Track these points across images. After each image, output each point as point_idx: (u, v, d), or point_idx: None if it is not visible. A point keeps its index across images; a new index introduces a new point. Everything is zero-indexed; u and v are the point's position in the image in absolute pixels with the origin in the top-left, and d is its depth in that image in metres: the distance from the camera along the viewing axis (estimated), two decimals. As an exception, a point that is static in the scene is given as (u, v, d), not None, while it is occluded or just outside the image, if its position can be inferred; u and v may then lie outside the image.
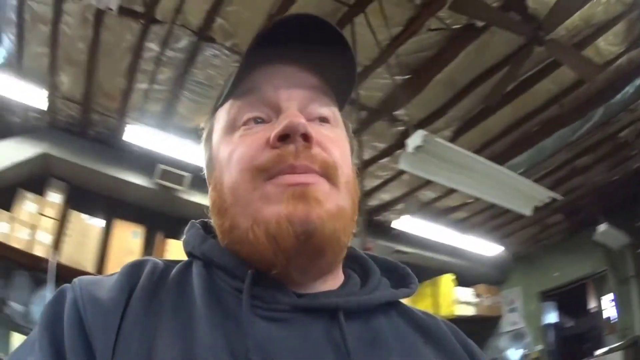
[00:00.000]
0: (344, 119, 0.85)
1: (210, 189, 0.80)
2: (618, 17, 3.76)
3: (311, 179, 0.69)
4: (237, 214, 0.71)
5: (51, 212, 5.04)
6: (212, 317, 0.65)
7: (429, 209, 6.35)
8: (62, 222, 5.10)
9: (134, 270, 0.73)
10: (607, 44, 4.06)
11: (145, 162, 5.08)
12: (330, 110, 0.79)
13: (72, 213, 5.09)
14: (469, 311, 7.16)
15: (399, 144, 4.80)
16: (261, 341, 0.63)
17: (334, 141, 0.76)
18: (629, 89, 4.37)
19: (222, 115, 0.80)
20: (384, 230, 6.48)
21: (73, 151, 5.23)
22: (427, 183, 5.60)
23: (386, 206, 6.35)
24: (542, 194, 4.52)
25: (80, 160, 5.17)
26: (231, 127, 0.77)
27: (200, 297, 0.68)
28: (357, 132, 4.51)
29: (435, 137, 3.62)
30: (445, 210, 6.49)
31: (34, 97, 4.57)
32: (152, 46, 4.00)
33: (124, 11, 3.67)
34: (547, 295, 7.42)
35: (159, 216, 5.38)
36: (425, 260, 6.89)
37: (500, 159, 5.16)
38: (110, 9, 3.50)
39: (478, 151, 5.08)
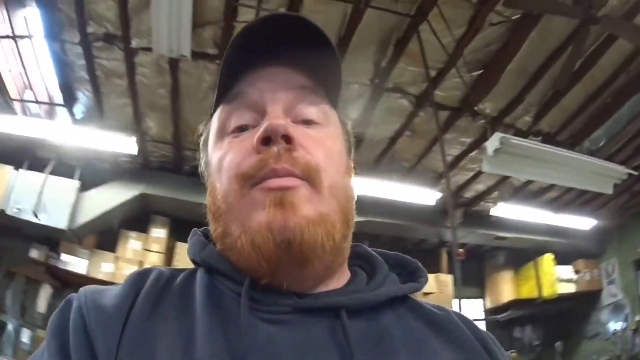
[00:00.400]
0: (340, 117, 0.85)
1: (207, 193, 0.80)
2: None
3: (291, 182, 0.69)
4: (229, 221, 0.72)
5: (156, 246, 5.44)
6: (212, 321, 0.66)
7: (522, 193, 6.49)
8: (169, 255, 5.49)
9: (138, 278, 0.75)
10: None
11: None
12: (319, 110, 0.79)
13: (178, 244, 5.47)
14: (570, 288, 7.19)
15: (484, 137, 4.92)
16: (262, 343, 0.63)
17: (320, 142, 0.75)
18: None
19: (214, 122, 0.81)
20: (482, 219, 6.71)
21: (170, 187, 5.62)
22: None
23: (482, 196, 6.57)
24: (619, 172, 4.59)
25: (179, 195, 5.53)
26: (221, 134, 0.78)
27: (201, 302, 0.69)
28: (443, 131, 4.74)
29: (511, 138, 3.77)
30: (537, 192, 6.57)
31: (123, 143, 5.00)
32: None
33: (197, 55, 3.96)
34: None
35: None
36: (524, 243, 7.02)
37: (582, 134, 5.24)
38: (184, 56, 3.79)
39: (558, 131, 5.18)
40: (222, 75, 0.76)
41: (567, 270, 7.27)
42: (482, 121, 5.02)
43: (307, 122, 0.76)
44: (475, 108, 4.84)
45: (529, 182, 6.26)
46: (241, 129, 0.76)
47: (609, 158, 5.57)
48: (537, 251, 7.11)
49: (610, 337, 7.28)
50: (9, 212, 5.28)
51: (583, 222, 7.05)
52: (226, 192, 0.72)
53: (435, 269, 6.72)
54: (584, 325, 7.77)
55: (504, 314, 7.29)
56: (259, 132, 0.70)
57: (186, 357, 0.62)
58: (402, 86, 4.50)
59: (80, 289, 0.74)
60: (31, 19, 4.16)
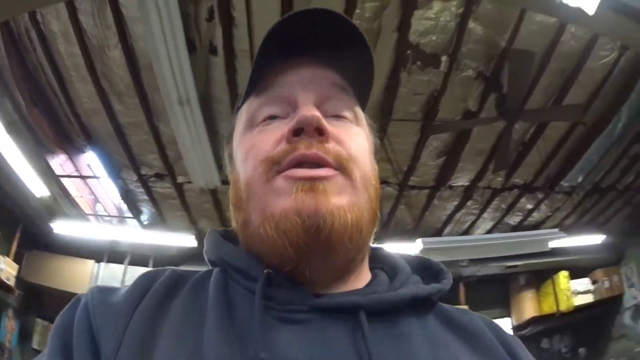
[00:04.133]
0: (367, 120, 0.87)
1: (230, 187, 0.84)
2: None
3: (323, 172, 0.70)
4: (251, 209, 0.74)
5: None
6: (222, 319, 0.67)
7: (520, 229, 7.87)
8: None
9: (149, 277, 0.77)
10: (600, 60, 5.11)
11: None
12: (349, 108, 0.82)
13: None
14: (588, 299, 8.37)
15: (470, 192, 6.57)
16: (274, 343, 0.64)
17: (351, 137, 0.78)
18: None
19: (242, 114, 0.84)
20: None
21: None
22: (510, 208, 7.28)
23: None
24: (551, 233, 6.56)
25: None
26: (250, 125, 0.81)
27: (212, 300, 0.70)
28: (427, 206, 6.32)
29: (429, 239, 5.31)
30: (538, 224, 7.94)
31: (185, 239, 6.77)
32: None
33: (227, 182, 5.63)
34: None
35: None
36: (539, 265, 8.30)
37: (557, 177, 6.56)
38: (216, 187, 5.47)
39: (533, 180, 6.57)
40: (255, 67, 0.78)
41: (583, 283, 8.46)
42: (461, 185, 6.49)
43: (337, 117, 0.79)
44: (449, 184, 6.30)
45: (527, 217, 7.65)
46: (272, 117, 0.79)
47: (594, 189, 6.89)
48: (555, 269, 8.34)
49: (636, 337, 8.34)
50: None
51: (592, 239, 8.15)
52: (250, 179, 0.75)
53: (456, 302, 7.93)
54: (610, 329, 8.81)
55: (527, 330, 8.47)
56: (292, 122, 0.73)
57: (192, 354, 0.63)
58: (385, 179, 5.94)
59: (90, 287, 0.76)
60: (93, 162, 5.84)
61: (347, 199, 0.71)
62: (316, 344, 0.65)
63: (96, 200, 6.59)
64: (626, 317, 8.56)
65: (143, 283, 0.76)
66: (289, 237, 0.68)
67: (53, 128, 5.08)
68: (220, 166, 5.28)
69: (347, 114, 0.81)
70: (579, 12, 3.48)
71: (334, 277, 0.75)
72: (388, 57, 4.44)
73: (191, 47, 4.07)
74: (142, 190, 6.03)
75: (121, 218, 6.79)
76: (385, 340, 0.68)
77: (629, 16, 3.76)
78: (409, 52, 4.42)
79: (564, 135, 5.98)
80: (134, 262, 7.30)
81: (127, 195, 6.20)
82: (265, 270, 0.71)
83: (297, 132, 0.73)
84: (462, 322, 0.78)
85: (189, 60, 4.04)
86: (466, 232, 7.65)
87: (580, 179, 6.69)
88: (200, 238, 6.94)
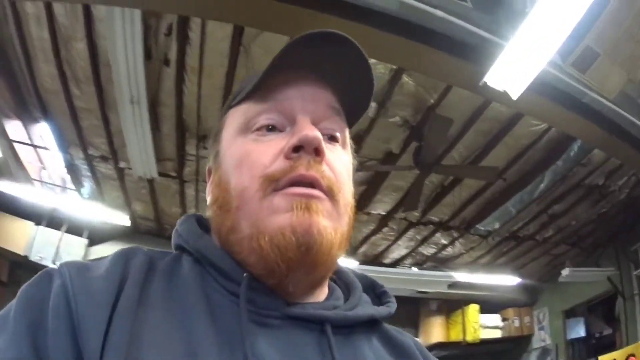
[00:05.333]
0: (349, 141, 0.92)
1: (212, 183, 0.87)
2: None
3: (318, 193, 0.75)
4: (241, 218, 0.76)
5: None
6: (206, 318, 0.70)
7: (434, 259, 8.51)
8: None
9: (125, 259, 0.77)
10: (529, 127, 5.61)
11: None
12: (340, 130, 0.86)
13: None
14: (496, 334, 9.17)
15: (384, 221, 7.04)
16: (253, 347, 0.69)
17: (342, 163, 0.84)
18: (572, 151, 5.76)
19: (237, 115, 0.86)
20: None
21: (154, 247, 7.99)
22: (424, 241, 7.77)
23: (398, 261, 8.72)
24: (447, 276, 7.34)
25: (161, 251, 7.93)
26: (244, 129, 0.83)
27: (193, 295, 0.73)
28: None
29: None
30: (450, 258, 8.60)
31: (119, 217, 7.24)
32: (190, 191, 6.51)
33: (163, 175, 6.16)
34: (571, 314, 8.98)
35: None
36: (451, 296, 8.93)
37: (473, 220, 7.14)
38: (154, 177, 5.98)
39: (449, 220, 7.16)
40: (262, 76, 0.81)
41: (493, 318, 9.24)
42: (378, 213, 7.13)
43: (330, 138, 0.84)
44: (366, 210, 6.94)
45: (441, 250, 8.27)
46: (268, 128, 0.81)
47: (511, 236, 7.53)
48: (467, 301, 9.05)
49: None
50: (32, 258, 7.53)
51: (507, 279, 8.80)
52: (244, 191, 0.77)
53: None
54: (514, 366, 9.59)
55: (432, 352, 9.10)
56: (294, 139, 0.77)
57: (184, 349, 0.66)
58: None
59: (61, 263, 0.74)
60: (45, 134, 6.25)
61: (332, 223, 0.76)
62: (289, 350, 0.71)
63: (42, 168, 7.00)
64: (533, 357, 9.34)
65: (118, 266, 0.75)
66: (282, 253, 0.72)
67: (13, 97, 5.48)
68: (159, 160, 5.84)
69: (338, 135, 0.85)
70: (504, 93, 3.82)
71: (307, 290, 0.80)
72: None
73: (148, 55, 4.53)
74: (86, 167, 6.53)
75: (63, 188, 7.22)
76: (344, 352, 0.75)
77: (551, 98, 4.14)
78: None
79: (483, 186, 6.59)
80: (70, 231, 7.79)
81: (72, 169, 6.67)
82: (245, 274, 0.75)
83: (297, 149, 0.76)
84: (399, 341, 0.87)
85: (143, 67, 4.50)
86: (380, 254, 8.36)
87: (496, 226, 7.35)
88: (133, 219, 7.57)
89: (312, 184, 0.75)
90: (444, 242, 8.07)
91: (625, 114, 4.40)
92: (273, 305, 0.75)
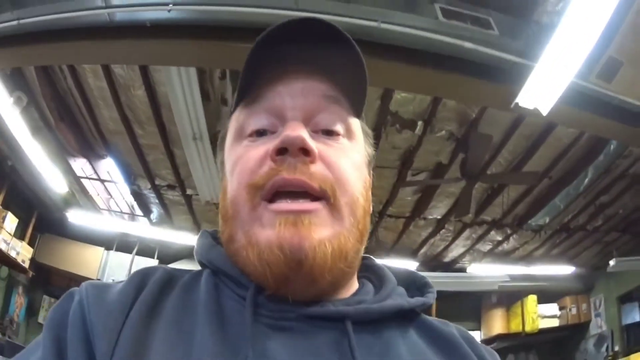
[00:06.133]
0: (364, 127, 0.88)
1: (221, 193, 0.85)
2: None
3: (307, 206, 0.72)
4: (236, 228, 0.76)
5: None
6: (213, 323, 0.70)
7: (491, 255, 8.89)
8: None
9: (142, 276, 0.79)
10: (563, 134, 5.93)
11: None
12: (341, 120, 0.81)
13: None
14: (553, 323, 9.44)
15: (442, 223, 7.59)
16: (263, 350, 0.67)
17: (340, 156, 0.78)
18: (612, 144, 5.92)
19: (233, 121, 0.85)
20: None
21: None
22: (480, 239, 8.19)
23: (457, 259, 9.17)
24: (499, 277, 7.63)
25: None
26: (238, 136, 0.82)
27: (203, 304, 0.73)
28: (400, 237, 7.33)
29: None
30: (507, 253, 8.94)
31: (189, 238, 7.84)
32: None
33: None
34: (626, 299, 9.06)
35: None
36: (510, 288, 9.29)
37: (525, 217, 7.51)
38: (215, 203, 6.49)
39: (502, 218, 7.55)
40: (242, 75, 0.78)
41: (551, 308, 9.51)
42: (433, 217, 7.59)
43: (328, 133, 0.80)
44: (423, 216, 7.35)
45: (496, 246, 8.65)
46: (259, 133, 0.80)
47: (562, 228, 7.83)
48: (526, 292, 9.37)
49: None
50: (105, 281, 8.14)
51: (562, 269, 9.15)
52: (235, 200, 0.76)
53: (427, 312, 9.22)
54: (574, 353, 9.83)
55: (494, 344, 9.29)
56: (276, 141, 0.74)
57: (182, 357, 0.66)
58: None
59: (83, 283, 0.78)
60: (112, 169, 6.80)
61: (329, 231, 0.72)
62: (304, 352, 0.68)
63: (110, 198, 7.58)
64: (590, 344, 9.50)
65: (136, 281, 0.77)
66: (271, 268, 0.70)
67: (77, 140, 6.05)
68: None
69: (339, 127, 0.81)
70: (535, 110, 4.10)
71: (319, 296, 0.76)
72: (370, 118, 5.32)
73: (206, 96, 5.00)
74: (153, 195, 7.11)
75: (132, 215, 7.80)
76: (369, 349, 0.71)
77: (580, 107, 4.35)
78: (388, 117, 5.32)
79: (531, 185, 6.83)
80: (141, 253, 8.43)
81: (140, 198, 7.26)
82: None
83: (281, 151, 0.73)
84: (442, 333, 0.81)
85: (202, 107, 4.97)
86: (439, 254, 8.78)
87: (547, 220, 7.65)
88: None
89: (301, 188, 0.73)
90: (499, 238, 8.41)
91: None
92: (287, 307, 0.73)
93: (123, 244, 8.40)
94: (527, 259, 9.08)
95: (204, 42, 3.85)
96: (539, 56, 3.79)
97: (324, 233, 0.71)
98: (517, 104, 4.06)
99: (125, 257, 8.39)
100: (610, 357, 8.96)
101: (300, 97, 0.78)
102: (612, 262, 7.93)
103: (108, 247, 8.38)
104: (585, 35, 3.56)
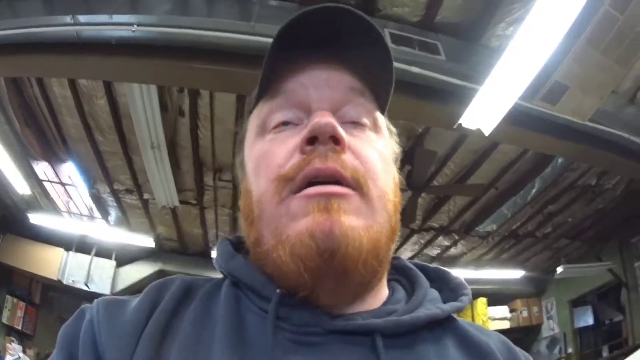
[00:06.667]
0: (388, 125, 0.85)
1: (241, 195, 0.81)
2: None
3: (339, 190, 0.68)
4: (263, 229, 0.72)
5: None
6: (232, 338, 0.67)
7: (440, 260, 9.21)
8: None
9: (158, 290, 0.77)
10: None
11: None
12: (368, 113, 0.79)
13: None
14: (504, 325, 9.79)
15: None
16: None
17: (370, 147, 0.75)
18: (559, 158, 6.14)
19: (254, 118, 0.82)
20: None
21: (180, 264, 8.70)
22: (428, 244, 8.55)
23: None
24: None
25: (186, 270, 8.50)
26: (261, 131, 0.79)
27: (222, 318, 0.70)
28: None
29: None
30: (455, 257, 9.28)
31: (145, 239, 8.00)
32: (210, 215, 7.22)
33: (185, 203, 6.88)
34: (578, 303, 9.38)
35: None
36: (460, 291, 9.55)
37: (473, 223, 7.84)
38: (176, 206, 6.69)
39: (450, 224, 7.86)
40: (264, 68, 0.75)
41: (501, 310, 9.89)
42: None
43: (355, 124, 0.77)
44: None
45: (445, 251, 9.00)
46: (285, 124, 0.76)
47: (510, 235, 8.21)
48: (475, 295, 9.60)
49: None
50: (65, 282, 8.34)
51: (512, 273, 9.51)
52: (262, 197, 0.72)
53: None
54: (528, 354, 10.07)
55: None
56: (305, 130, 0.71)
57: None
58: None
59: (95, 300, 0.76)
60: (72, 173, 6.95)
61: (362, 221, 0.68)
62: None
63: (70, 200, 7.74)
64: (543, 346, 9.87)
65: (151, 297, 0.75)
66: (304, 263, 0.66)
67: (40, 144, 6.19)
68: (179, 191, 6.61)
69: (365, 120, 0.78)
70: (477, 130, 4.36)
71: (349, 300, 0.73)
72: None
73: (164, 107, 5.19)
74: (112, 198, 7.29)
75: (91, 217, 7.98)
76: None
77: (524, 127, 4.59)
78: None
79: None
80: (99, 254, 8.63)
81: (99, 201, 7.44)
82: (278, 290, 0.70)
83: (311, 140, 0.70)
84: (480, 342, 0.77)
85: (160, 118, 5.17)
86: (389, 256, 9.02)
87: (494, 227, 8.00)
88: (158, 240, 8.40)
89: (333, 177, 0.69)
90: (447, 244, 8.75)
91: (602, 127, 4.73)
92: (313, 321, 0.69)
93: (82, 245, 8.57)
94: (476, 263, 9.42)
95: (165, 61, 4.07)
96: (484, 79, 4.02)
97: (356, 221, 0.68)
98: (460, 124, 4.33)
99: (85, 258, 8.56)
100: (563, 359, 9.35)
101: (325, 89, 0.76)
102: (559, 269, 8.21)
103: (68, 248, 8.52)
104: (531, 60, 3.75)
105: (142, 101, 4.95)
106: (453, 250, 9.03)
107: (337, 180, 0.69)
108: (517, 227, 8.14)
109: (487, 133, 4.40)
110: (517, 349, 0.85)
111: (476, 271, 9.22)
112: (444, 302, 0.80)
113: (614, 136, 4.85)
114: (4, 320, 8.04)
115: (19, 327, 8.19)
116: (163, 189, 6.41)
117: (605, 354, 8.56)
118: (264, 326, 0.68)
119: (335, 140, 0.70)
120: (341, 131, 0.70)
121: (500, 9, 4.22)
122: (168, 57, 4.03)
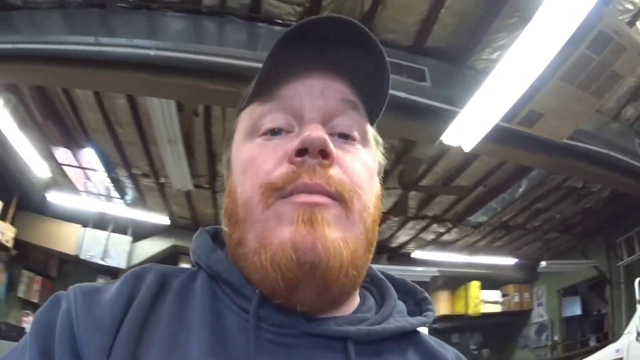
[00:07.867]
0: (375, 136, 0.87)
1: (225, 192, 0.82)
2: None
3: (323, 200, 0.70)
4: (247, 231, 0.73)
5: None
6: (210, 337, 0.69)
7: (435, 244, 9.84)
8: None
9: (135, 280, 0.77)
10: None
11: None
12: (358, 126, 0.80)
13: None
14: (495, 308, 10.41)
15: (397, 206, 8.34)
16: None
17: (356, 162, 0.77)
18: None
19: (244, 119, 0.83)
20: (406, 260, 10.04)
21: (191, 239, 9.39)
22: (425, 228, 9.16)
23: (403, 245, 10.06)
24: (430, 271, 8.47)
25: (198, 244, 9.25)
26: (251, 133, 0.80)
27: (200, 315, 0.72)
28: None
29: None
30: (450, 242, 9.85)
31: (160, 218, 8.75)
32: (222, 197, 7.84)
33: (198, 187, 7.56)
34: (567, 292, 10.00)
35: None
36: (455, 273, 10.18)
37: (466, 214, 8.43)
38: (190, 189, 7.31)
39: (443, 214, 8.47)
40: (262, 71, 0.77)
41: (493, 294, 10.46)
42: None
43: (344, 137, 0.79)
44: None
45: (439, 237, 9.56)
46: (274, 132, 0.77)
47: (501, 226, 8.77)
48: (470, 278, 10.29)
49: (536, 350, 10.16)
50: (82, 257, 8.92)
51: (505, 260, 10.09)
52: (248, 201, 0.74)
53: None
54: (516, 338, 10.78)
55: (438, 324, 10.30)
56: (296, 142, 0.72)
57: None
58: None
59: (71, 287, 0.77)
60: (92, 158, 7.47)
61: (341, 233, 0.70)
62: None
63: (89, 182, 8.25)
64: (531, 331, 10.43)
65: (129, 285, 0.76)
66: (282, 272, 0.67)
67: (62, 132, 6.69)
68: (193, 176, 7.24)
69: (356, 133, 0.80)
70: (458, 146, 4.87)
71: (326, 307, 0.75)
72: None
73: (180, 107, 5.72)
74: (130, 181, 7.97)
75: (108, 197, 8.56)
76: None
77: (502, 142, 4.98)
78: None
79: (467, 191, 7.61)
80: (116, 230, 9.25)
81: (117, 183, 8.09)
82: (257, 290, 0.72)
83: (301, 152, 0.72)
84: (439, 356, 0.81)
85: (177, 117, 5.71)
86: (387, 239, 9.64)
87: (485, 219, 8.56)
88: (172, 218, 9.08)
89: (318, 193, 0.71)
90: (442, 230, 9.30)
91: (581, 144, 5.14)
92: (289, 322, 0.72)
93: (99, 222, 9.12)
94: (470, 248, 9.97)
95: (181, 80, 4.59)
96: (466, 102, 4.48)
97: (337, 234, 0.70)
98: (441, 141, 4.85)
99: (102, 234, 9.11)
100: (549, 346, 9.87)
101: (319, 99, 0.77)
102: (543, 264, 8.76)
103: (85, 225, 9.06)
104: (511, 88, 4.14)
105: (160, 102, 5.48)
106: (447, 237, 9.57)
107: (320, 193, 0.71)
108: (507, 220, 8.65)
109: (467, 150, 4.91)
110: None
111: (470, 256, 9.79)
112: (409, 314, 0.85)
113: (594, 152, 5.25)
114: (20, 294, 8.46)
115: (36, 301, 8.44)
116: (179, 175, 7.01)
117: (592, 344, 8.88)
118: (243, 325, 0.71)
119: (324, 154, 0.72)
120: (331, 146, 0.72)
121: (486, 36, 4.69)
122: (183, 77, 4.53)
